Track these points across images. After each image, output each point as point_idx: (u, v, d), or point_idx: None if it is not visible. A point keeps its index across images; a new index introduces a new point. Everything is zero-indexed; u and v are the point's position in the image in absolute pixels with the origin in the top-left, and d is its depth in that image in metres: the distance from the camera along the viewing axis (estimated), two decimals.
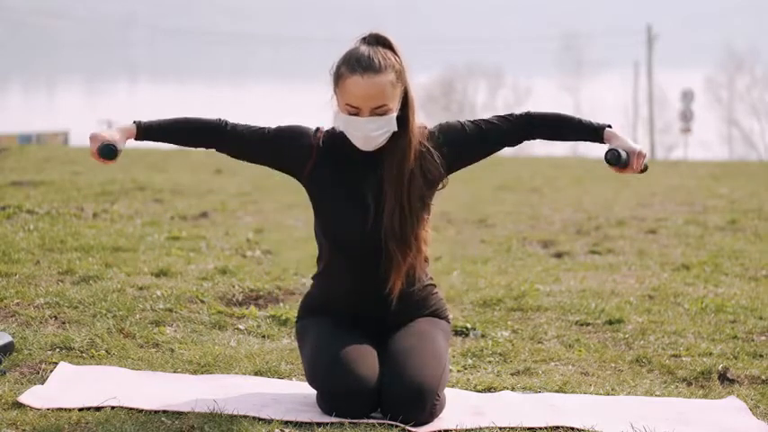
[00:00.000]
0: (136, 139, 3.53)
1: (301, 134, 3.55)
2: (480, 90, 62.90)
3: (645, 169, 3.55)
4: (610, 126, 3.56)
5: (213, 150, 3.58)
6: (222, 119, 3.59)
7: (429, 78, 57.43)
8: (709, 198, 12.25)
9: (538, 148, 55.45)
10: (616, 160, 3.47)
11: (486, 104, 62.39)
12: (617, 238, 8.36)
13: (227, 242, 7.21)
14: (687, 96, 44.69)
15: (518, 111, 3.65)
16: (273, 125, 3.60)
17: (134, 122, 3.53)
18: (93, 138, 3.46)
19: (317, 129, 3.57)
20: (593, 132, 3.56)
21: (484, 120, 3.61)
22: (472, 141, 3.56)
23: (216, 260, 6.30)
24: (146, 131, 3.53)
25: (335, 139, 3.53)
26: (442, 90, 59.24)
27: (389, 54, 3.44)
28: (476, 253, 7.48)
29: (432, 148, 3.51)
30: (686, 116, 44.52)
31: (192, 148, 3.65)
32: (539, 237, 8.43)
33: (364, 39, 3.49)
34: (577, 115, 3.61)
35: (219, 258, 6.40)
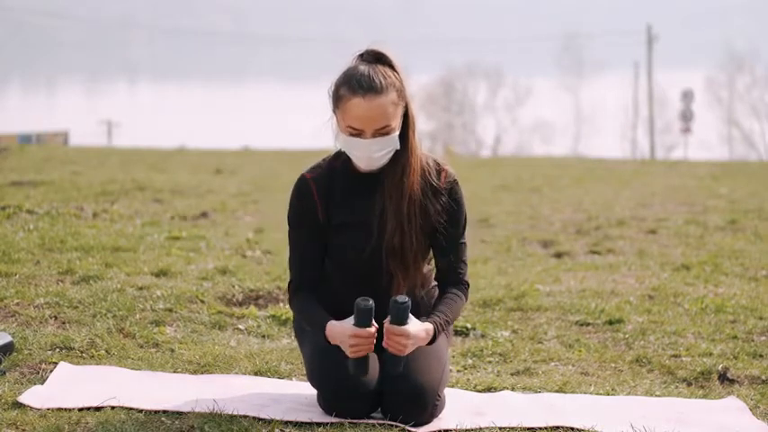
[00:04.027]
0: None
1: (299, 202, 3.49)
2: (480, 90, 62.85)
3: (392, 364, 3.30)
4: (436, 334, 3.38)
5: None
6: (293, 278, 3.55)
7: (429, 78, 57.41)
8: (709, 198, 12.24)
9: (538, 148, 55.53)
10: (400, 313, 3.26)
11: (486, 104, 62.40)
12: (617, 238, 8.36)
13: (227, 242, 7.20)
14: (687, 96, 44.70)
15: (466, 273, 3.55)
16: (288, 223, 3.54)
17: (322, 326, 3.40)
18: (341, 340, 3.33)
19: (304, 178, 3.49)
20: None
21: (461, 239, 3.52)
22: (448, 223, 3.48)
23: (216, 260, 6.29)
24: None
25: (325, 170, 3.49)
26: (442, 90, 59.19)
27: (389, 72, 3.38)
28: (476, 253, 7.48)
29: (442, 194, 3.47)
30: (686, 116, 44.54)
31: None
32: (539, 237, 8.43)
33: (362, 55, 3.44)
34: (451, 312, 3.46)
35: (219, 258, 6.40)
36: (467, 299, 3.57)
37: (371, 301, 3.29)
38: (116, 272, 5.63)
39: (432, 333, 3.38)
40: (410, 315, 3.32)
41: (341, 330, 3.33)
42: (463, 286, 3.55)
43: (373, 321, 3.30)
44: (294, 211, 3.51)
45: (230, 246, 7.01)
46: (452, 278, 3.54)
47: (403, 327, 3.28)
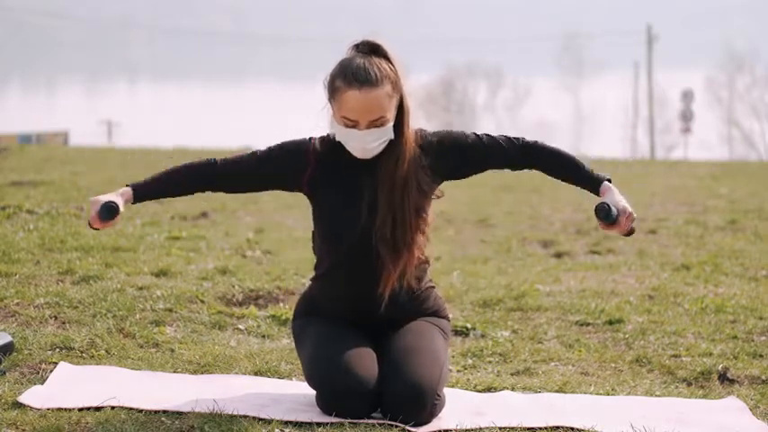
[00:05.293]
0: (133, 202, 3.52)
1: (295, 146, 3.54)
2: (480, 90, 62.92)
3: (631, 232, 3.49)
4: (609, 180, 3.53)
5: (209, 193, 3.59)
6: (222, 161, 3.57)
7: (429, 78, 57.42)
8: (709, 198, 12.25)
9: None
10: (605, 215, 3.43)
11: (486, 104, 62.43)
12: (617, 238, 8.36)
13: (227, 242, 7.21)
14: (687, 96, 44.74)
15: (529, 137, 3.62)
16: (263, 147, 3.59)
17: (127, 186, 3.51)
18: (92, 202, 3.44)
19: (310, 138, 3.55)
20: (591, 182, 3.54)
21: (489, 136, 3.58)
22: (472, 155, 3.55)
23: (216, 260, 6.29)
24: (142, 191, 3.52)
25: (330, 145, 3.52)
26: (442, 90, 59.24)
27: (384, 64, 3.40)
28: (476, 253, 7.48)
29: (426, 158, 3.49)
30: (686, 116, 44.58)
31: (190, 196, 3.64)
32: (539, 237, 8.43)
33: (357, 47, 3.46)
34: (582, 161, 3.58)
35: (219, 258, 6.40)
36: (542, 142, 3.60)
37: (117, 206, 3.40)
38: (116, 272, 5.63)
39: (609, 182, 3.51)
40: (604, 204, 3.44)
41: (101, 199, 3.43)
42: (531, 143, 3.57)
43: (109, 220, 3.41)
44: (278, 147, 3.55)
45: (230, 246, 7.01)
46: (524, 152, 3.56)
47: (621, 207, 3.43)
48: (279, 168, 3.53)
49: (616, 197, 3.47)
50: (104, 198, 3.44)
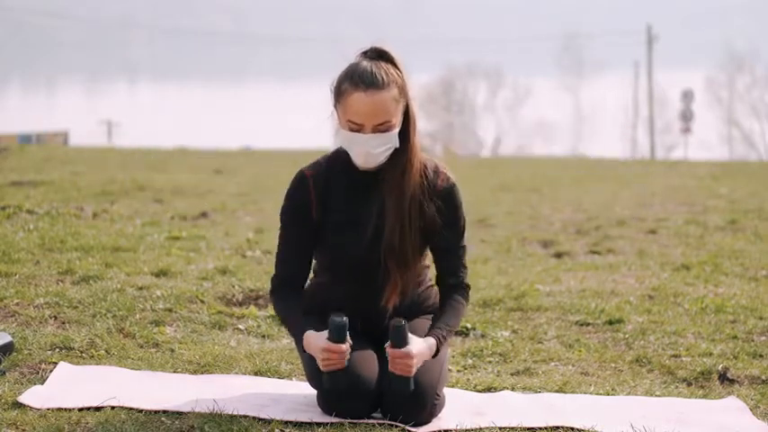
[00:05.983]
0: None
1: (293, 187, 3.50)
2: (480, 90, 62.92)
3: (399, 384, 3.29)
4: (439, 348, 3.41)
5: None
6: (278, 274, 3.52)
7: (429, 78, 57.40)
8: (709, 198, 12.26)
9: (538, 148, 55.55)
10: (399, 331, 3.27)
11: (486, 104, 62.43)
12: (617, 238, 8.36)
13: (227, 242, 7.20)
14: (687, 96, 44.75)
15: (466, 276, 3.56)
16: (281, 218, 3.54)
17: (300, 334, 3.41)
18: (309, 345, 3.36)
19: (302, 174, 3.49)
20: (434, 332, 3.43)
21: (463, 245, 3.54)
22: (441, 229, 3.48)
23: (216, 260, 6.29)
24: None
25: (329, 169, 3.49)
26: (442, 90, 59.20)
27: (391, 69, 3.39)
28: (476, 253, 7.47)
29: (439, 196, 3.47)
30: (686, 116, 44.59)
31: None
32: (539, 237, 8.43)
33: (365, 53, 3.45)
34: (453, 320, 3.48)
35: (219, 258, 6.40)
36: (467, 302, 3.58)
37: (345, 318, 3.30)
38: (116, 272, 5.63)
39: (435, 347, 3.41)
40: (409, 334, 3.33)
41: (315, 342, 3.34)
42: (463, 290, 3.56)
43: (348, 337, 3.30)
44: (288, 206, 3.52)
45: (230, 246, 7.01)
46: (452, 282, 3.54)
47: (405, 348, 3.30)
48: (299, 210, 3.48)
49: (421, 346, 3.35)
50: (314, 336, 3.34)
